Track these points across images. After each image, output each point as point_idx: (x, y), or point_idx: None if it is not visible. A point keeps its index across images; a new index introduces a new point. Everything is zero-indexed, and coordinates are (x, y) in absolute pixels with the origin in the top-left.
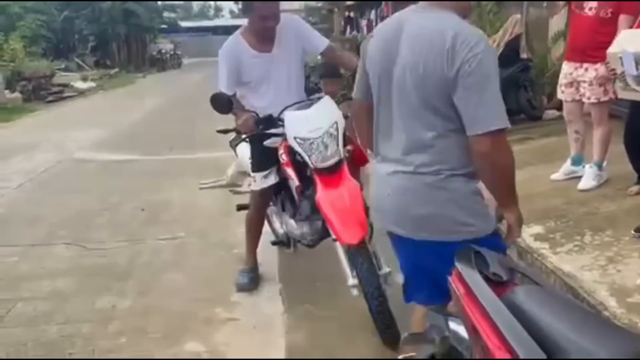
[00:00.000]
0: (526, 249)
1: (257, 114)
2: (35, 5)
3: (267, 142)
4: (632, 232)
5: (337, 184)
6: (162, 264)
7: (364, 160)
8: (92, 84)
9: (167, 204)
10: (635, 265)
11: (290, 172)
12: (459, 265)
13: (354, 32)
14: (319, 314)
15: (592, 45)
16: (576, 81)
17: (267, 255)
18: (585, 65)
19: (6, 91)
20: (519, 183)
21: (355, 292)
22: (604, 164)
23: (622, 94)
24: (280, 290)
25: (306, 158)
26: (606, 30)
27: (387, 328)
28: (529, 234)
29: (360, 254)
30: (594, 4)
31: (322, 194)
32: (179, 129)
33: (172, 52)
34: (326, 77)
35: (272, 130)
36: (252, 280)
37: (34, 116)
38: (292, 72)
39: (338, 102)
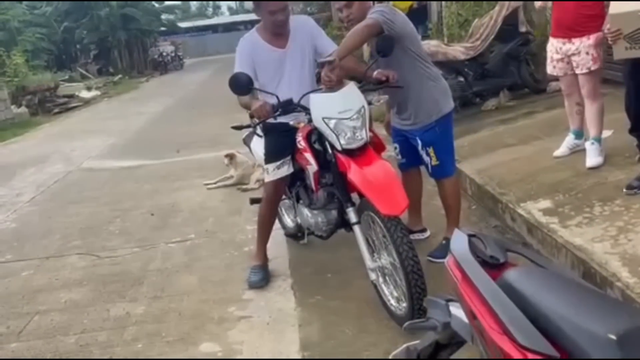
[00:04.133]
0: (535, 224)
1: (277, 98)
2: (34, 18)
3: (291, 122)
4: (624, 189)
5: (369, 162)
6: (174, 267)
7: (382, 148)
8: (97, 93)
9: (176, 207)
10: None
11: (309, 157)
12: (454, 251)
13: None
14: (332, 305)
15: (578, 20)
16: (566, 55)
17: (278, 251)
18: (573, 40)
19: (12, 106)
20: (527, 158)
21: (373, 275)
22: (610, 132)
23: (625, 54)
24: (292, 285)
25: (334, 139)
26: (590, 4)
27: (420, 296)
28: (537, 209)
29: (400, 226)
30: None
31: (355, 170)
32: (183, 131)
33: (173, 54)
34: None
35: (287, 118)
36: (264, 277)
37: (41, 129)
38: (305, 68)
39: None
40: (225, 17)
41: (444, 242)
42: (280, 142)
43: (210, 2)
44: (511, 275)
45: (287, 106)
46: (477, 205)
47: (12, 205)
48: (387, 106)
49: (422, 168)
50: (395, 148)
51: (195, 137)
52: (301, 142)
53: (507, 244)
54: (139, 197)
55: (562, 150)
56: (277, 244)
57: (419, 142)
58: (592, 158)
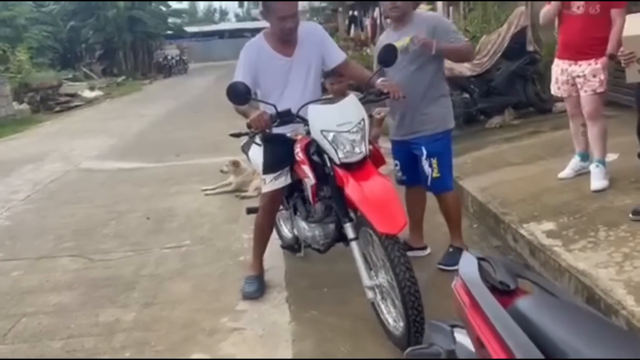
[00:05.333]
0: (538, 246)
1: (275, 108)
2: (41, 16)
3: (289, 133)
4: (630, 215)
5: (367, 177)
6: (167, 273)
7: (382, 162)
8: (99, 93)
9: (172, 212)
10: None
11: (307, 169)
12: (463, 275)
13: (358, 31)
14: (327, 321)
15: (585, 43)
16: (572, 77)
17: (274, 261)
18: (579, 62)
19: (14, 103)
20: (530, 178)
21: (370, 294)
22: (616, 156)
23: (638, 77)
24: (287, 298)
25: (332, 152)
26: (598, 27)
27: (417, 318)
28: (540, 231)
29: (397, 245)
30: (581, 3)
31: (353, 186)
32: (184, 135)
33: (178, 58)
34: (333, 75)
35: (285, 128)
36: (258, 288)
37: (42, 127)
38: (310, 78)
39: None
40: (231, 24)
41: (450, 249)
42: (279, 153)
43: (217, 7)
44: (523, 303)
45: (286, 117)
46: (479, 224)
47: (6, 202)
48: (377, 121)
49: None
50: (396, 165)
51: (196, 142)
52: (299, 154)
53: (518, 269)
54: (135, 200)
55: (567, 172)
56: (274, 254)
57: (424, 151)
58: (597, 181)
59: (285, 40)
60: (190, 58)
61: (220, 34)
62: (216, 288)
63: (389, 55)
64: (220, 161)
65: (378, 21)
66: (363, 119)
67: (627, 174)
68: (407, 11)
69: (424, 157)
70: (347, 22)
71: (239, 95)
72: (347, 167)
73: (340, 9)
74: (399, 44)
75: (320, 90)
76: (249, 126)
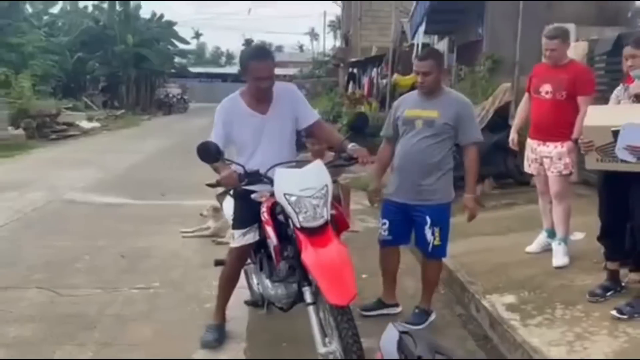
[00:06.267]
0: (497, 319)
1: (244, 169)
2: (49, 45)
3: (254, 196)
4: (587, 296)
5: (325, 243)
6: (132, 314)
7: (345, 227)
8: (97, 124)
9: (148, 252)
10: (602, 343)
11: (269, 230)
12: (382, 348)
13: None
14: None
15: (553, 126)
16: (540, 157)
17: (238, 312)
18: (547, 143)
19: (10, 127)
20: (499, 249)
21: None
22: (582, 235)
23: (596, 165)
24: (245, 350)
25: (293, 216)
26: (565, 111)
27: None
28: (501, 303)
29: (346, 316)
30: (549, 88)
31: (309, 252)
32: (173, 175)
33: (179, 96)
34: (312, 136)
35: (256, 187)
36: (218, 338)
37: (34, 153)
38: (284, 135)
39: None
40: (236, 68)
41: (416, 310)
42: (248, 210)
43: (224, 51)
44: None
45: (253, 177)
46: (446, 291)
47: None
48: (377, 174)
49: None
50: (384, 224)
51: (183, 183)
52: (264, 215)
53: (439, 347)
54: (114, 237)
55: (534, 246)
56: (240, 304)
57: (428, 220)
58: (558, 258)
59: (260, 99)
60: (191, 97)
61: (223, 77)
62: (177, 334)
63: (361, 123)
64: (202, 204)
65: (375, 80)
66: (326, 185)
67: (590, 254)
68: (434, 89)
69: (427, 226)
70: (346, 78)
71: (209, 155)
72: (307, 231)
73: (341, 64)
74: (425, 113)
75: (295, 148)
76: (217, 183)
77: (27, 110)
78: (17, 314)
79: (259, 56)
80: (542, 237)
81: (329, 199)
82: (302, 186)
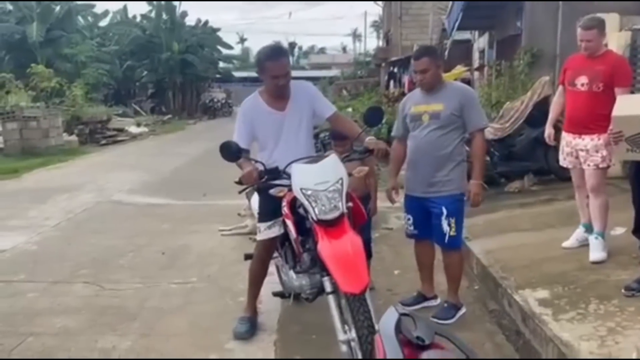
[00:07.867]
0: (529, 313)
1: (264, 166)
2: (100, 55)
3: (272, 191)
4: (623, 290)
5: (339, 235)
6: (169, 307)
7: (363, 219)
8: (145, 129)
9: (187, 249)
10: (635, 337)
11: (289, 223)
12: (381, 328)
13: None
14: None
15: (589, 118)
16: (575, 150)
17: (270, 305)
18: (583, 136)
19: (64, 134)
20: (535, 245)
21: (344, 348)
22: (623, 230)
23: (625, 156)
24: (275, 341)
25: (310, 209)
26: (601, 104)
27: None
28: (534, 298)
29: (360, 305)
30: (585, 80)
31: (324, 243)
32: (215, 175)
33: (224, 101)
34: (337, 139)
35: (276, 182)
36: (249, 329)
37: (86, 158)
38: (302, 131)
39: (343, 161)
40: None
41: (445, 305)
42: (272, 203)
43: None
44: (427, 354)
45: (273, 173)
46: (480, 286)
47: (38, 227)
48: (392, 173)
49: None
50: (409, 219)
51: (225, 183)
52: (284, 209)
53: (440, 330)
54: (155, 235)
55: (571, 241)
56: (271, 298)
57: (444, 211)
58: (595, 253)
59: (278, 96)
60: (235, 102)
61: None
62: (211, 325)
63: (375, 117)
64: (241, 203)
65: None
66: (342, 178)
67: (630, 249)
68: (435, 83)
69: (443, 217)
70: (387, 77)
71: (230, 153)
72: (324, 223)
73: (383, 64)
74: (430, 107)
75: (313, 142)
76: (239, 181)
77: (80, 117)
78: (64, 306)
79: (273, 56)
80: (579, 232)
81: (344, 192)
82: (318, 180)
